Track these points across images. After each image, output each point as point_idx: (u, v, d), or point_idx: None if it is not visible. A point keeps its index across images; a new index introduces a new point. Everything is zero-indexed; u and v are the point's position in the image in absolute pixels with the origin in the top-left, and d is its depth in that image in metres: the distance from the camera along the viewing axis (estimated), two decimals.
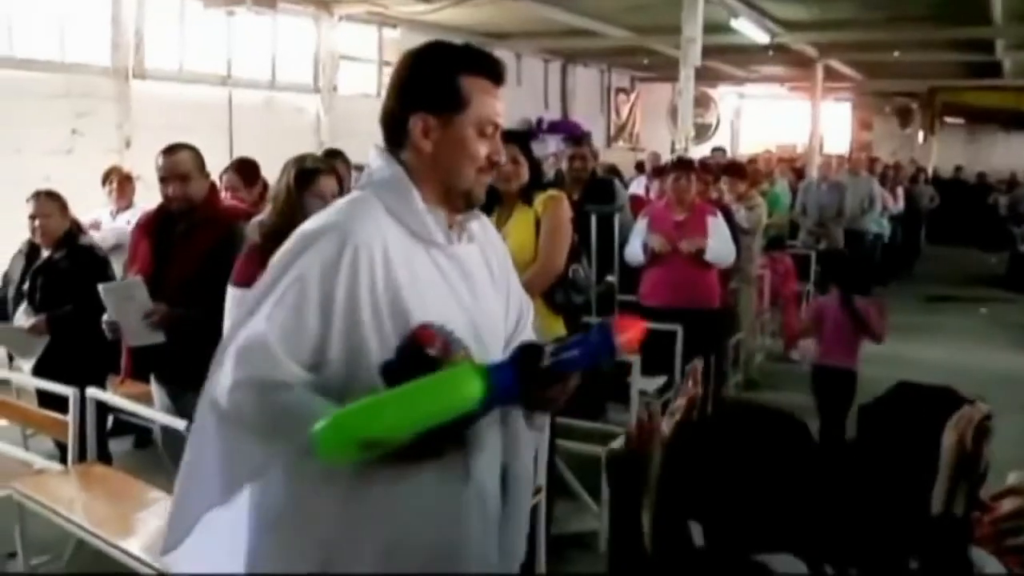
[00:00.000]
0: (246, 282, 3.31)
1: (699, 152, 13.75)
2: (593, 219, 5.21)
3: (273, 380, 1.63)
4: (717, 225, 5.32)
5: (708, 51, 13.54)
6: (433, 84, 1.73)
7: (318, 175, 3.43)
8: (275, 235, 3.37)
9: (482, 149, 1.75)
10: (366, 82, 11.57)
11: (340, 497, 1.70)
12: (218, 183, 5.12)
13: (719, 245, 5.26)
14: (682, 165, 5.52)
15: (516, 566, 1.95)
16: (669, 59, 13.30)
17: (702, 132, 10.28)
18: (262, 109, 9.95)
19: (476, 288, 1.81)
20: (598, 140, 16.56)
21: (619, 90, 17.98)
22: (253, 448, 1.68)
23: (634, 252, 5.41)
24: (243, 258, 3.35)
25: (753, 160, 10.86)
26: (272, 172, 4.73)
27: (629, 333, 1.65)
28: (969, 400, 1.75)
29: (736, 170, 7.23)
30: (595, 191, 5.38)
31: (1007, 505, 1.57)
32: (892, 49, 13.13)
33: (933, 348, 8.81)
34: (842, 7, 10.14)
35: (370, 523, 1.71)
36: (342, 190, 3.48)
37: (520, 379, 1.61)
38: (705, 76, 17.45)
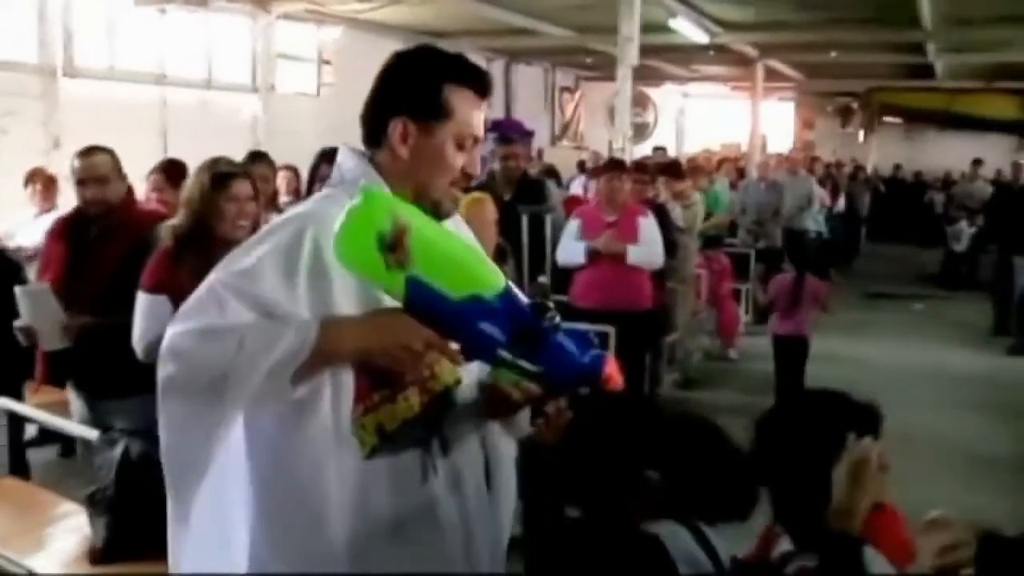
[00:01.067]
0: (156, 287, 3.25)
1: (642, 151, 13.83)
2: (525, 220, 5.18)
3: (220, 324, 1.55)
4: (647, 227, 5.32)
5: (650, 50, 13.67)
6: (418, 90, 1.70)
7: (233, 179, 3.37)
8: (188, 239, 3.32)
9: (458, 161, 1.73)
10: (305, 81, 11.43)
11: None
12: (144, 184, 5.04)
13: (643, 248, 5.27)
14: (614, 166, 5.52)
15: (503, 550, 1.95)
16: (612, 58, 13.32)
17: (640, 131, 10.31)
18: (197, 109, 9.77)
19: None
20: (542, 139, 16.56)
21: (563, 89, 17.99)
22: (205, 398, 1.56)
23: (570, 254, 5.39)
24: (154, 262, 3.28)
25: (694, 159, 10.93)
26: None
27: (614, 373, 1.64)
28: (864, 404, 1.76)
29: (673, 169, 7.26)
30: (527, 191, 5.34)
31: (935, 542, 1.55)
32: (829, 50, 13.32)
33: (870, 345, 8.95)
34: (779, 8, 10.25)
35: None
36: (256, 195, 3.42)
37: (528, 312, 1.60)
38: (648, 75, 17.58)
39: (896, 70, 16.10)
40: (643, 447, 1.61)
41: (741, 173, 11.79)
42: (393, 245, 1.49)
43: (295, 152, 7.22)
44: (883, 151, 20.42)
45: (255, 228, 3.40)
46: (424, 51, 1.77)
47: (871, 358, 8.45)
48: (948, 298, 11.79)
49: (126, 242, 3.61)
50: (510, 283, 1.64)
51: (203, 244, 3.28)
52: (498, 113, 15.46)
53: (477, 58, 13.84)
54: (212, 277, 1.63)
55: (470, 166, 1.77)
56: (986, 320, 9.68)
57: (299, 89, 11.28)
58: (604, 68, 14.52)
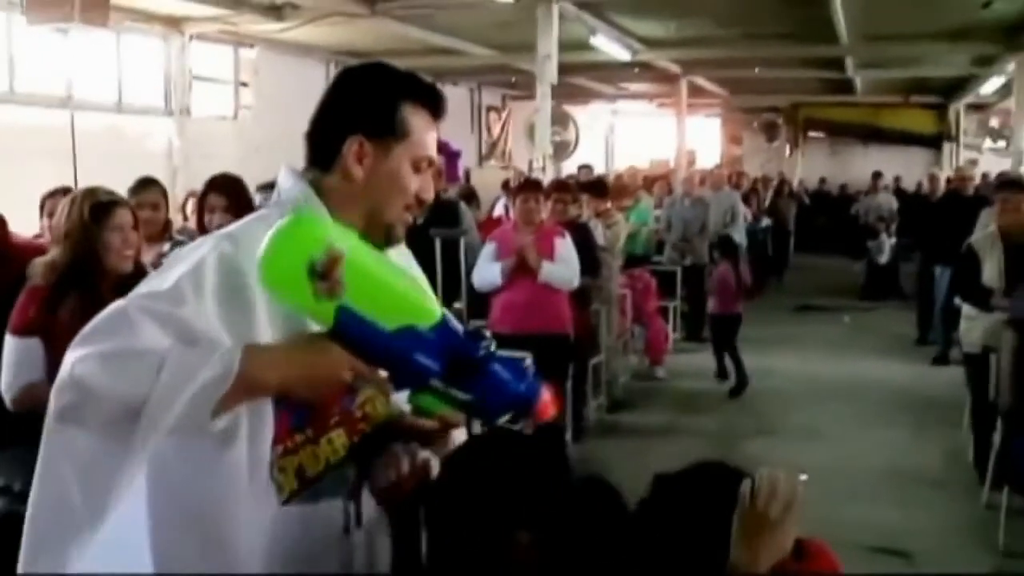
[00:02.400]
0: (27, 330, 3.02)
1: (568, 168, 13.73)
2: (438, 244, 5.04)
3: (134, 347, 1.37)
4: (563, 247, 5.22)
5: (574, 68, 13.67)
6: (375, 107, 1.61)
7: (114, 207, 3.16)
8: (70, 275, 3.09)
9: (413, 184, 1.63)
10: (222, 104, 11.14)
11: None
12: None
13: (558, 268, 5.16)
14: (529, 187, 5.40)
15: None
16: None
17: (561, 149, 10.22)
18: (108, 133, 9.42)
19: None
20: (470, 159, 16.42)
21: (490, 108, 17.86)
22: (114, 431, 1.36)
23: (486, 276, 5.26)
24: (23, 302, 3.05)
25: (620, 177, 10.89)
26: None
27: (548, 403, 1.56)
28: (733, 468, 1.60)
29: (596, 188, 7.17)
30: (440, 214, 5.19)
31: None
32: (752, 66, 13.44)
33: (801, 358, 8.98)
34: (698, 24, 10.28)
35: None
36: (137, 223, 3.22)
37: (465, 342, 1.50)
38: (576, 93, 17.62)
39: (819, 85, 16.34)
40: (518, 502, 1.42)
41: (671, 190, 11.77)
42: (324, 273, 1.36)
43: None
44: (809, 165, 20.73)
45: (137, 259, 3.22)
46: (378, 68, 1.68)
47: (802, 371, 8.46)
48: (874, 309, 11.90)
49: (2, 279, 3.36)
50: (447, 313, 1.53)
51: (88, 279, 3.08)
52: None
53: None
54: (122, 300, 1.45)
55: (424, 191, 1.65)
56: (911, 330, 9.76)
57: (216, 112, 10.99)
58: (531, 87, 14.48)
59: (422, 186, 1.65)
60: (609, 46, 10.30)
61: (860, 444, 6.32)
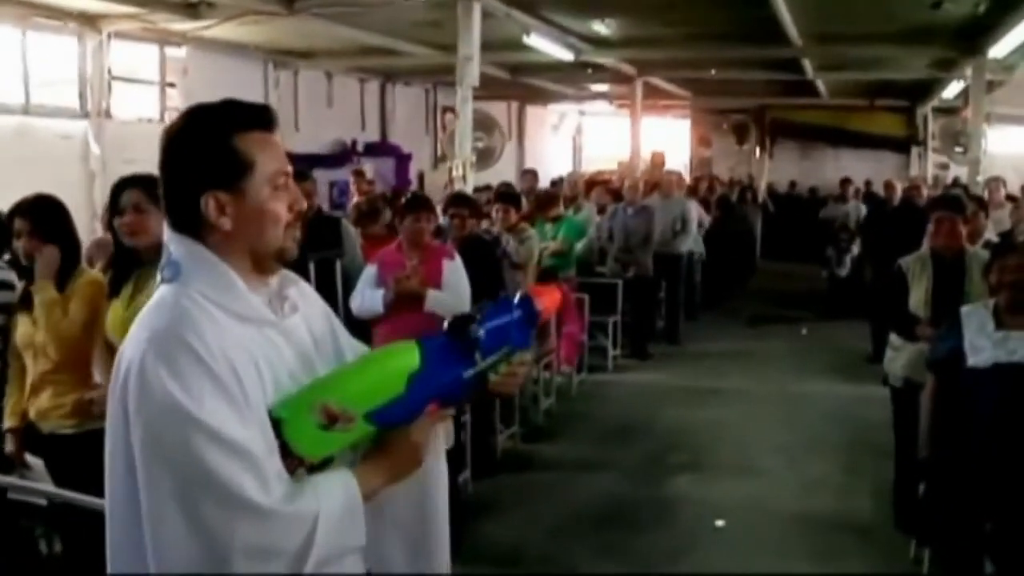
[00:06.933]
0: None
1: (487, 176, 13.17)
2: (312, 266, 4.54)
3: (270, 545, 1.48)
4: (452, 271, 4.72)
5: (525, 69, 13.20)
6: (210, 160, 1.60)
7: None
8: None
9: (281, 205, 1.64)
10: (146, 106, 10.58)
11: None
12: None
13: (445, 294, 4.66)
14: (416, 204, 4.89)
15: None
16: (493, 78, 12.76)
17: (485, 157, 9.69)
18: (14, 136, 8.87)
19: (311, 361, 1.71)
20: (423, 162, 15.92)
21: (446, 109, 17.25)
22: None
23: (366, 302, 4.78)
24: None
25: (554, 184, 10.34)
26: None
27: (546, 300, 1.33)
28: None
29: (507, 198, 6.65)
30: (318, 234, 4.69)
31: None
32: (708, 67, 12.98)
33: (745, 378, 8.59)
34: (642, 24, 9.80)
35: None
36: None
37: (454, 348, 1.64)
38: (538, 95, 17.17)
39: (783, 88, 15.90)
40: None
41: (616, 195, 11.11)
42: (331, 422, 1.54)
43: None
44: (779, 168, 20.33)
45: None
46: (194, 115, 1.65)
47: (745, 393, 8.04)
48: (834, 321, 11.41)
49: None
50: (423, 338, 1.66)
51: None
52: (374, 136, 14.80)
53: (349, 79, 13.06)
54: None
55: (295, 203, 1.64)
56: (868, 345, 9.31)
57: (139, 114, 10.43)
58: (490, 87, 14.00)
59: (291, 199, 1.64)
60: (548, 46, 9.79)
61: (791, 482, 5.86)
